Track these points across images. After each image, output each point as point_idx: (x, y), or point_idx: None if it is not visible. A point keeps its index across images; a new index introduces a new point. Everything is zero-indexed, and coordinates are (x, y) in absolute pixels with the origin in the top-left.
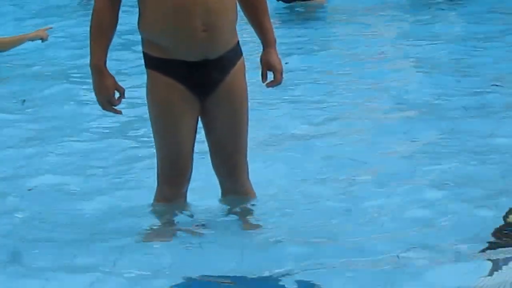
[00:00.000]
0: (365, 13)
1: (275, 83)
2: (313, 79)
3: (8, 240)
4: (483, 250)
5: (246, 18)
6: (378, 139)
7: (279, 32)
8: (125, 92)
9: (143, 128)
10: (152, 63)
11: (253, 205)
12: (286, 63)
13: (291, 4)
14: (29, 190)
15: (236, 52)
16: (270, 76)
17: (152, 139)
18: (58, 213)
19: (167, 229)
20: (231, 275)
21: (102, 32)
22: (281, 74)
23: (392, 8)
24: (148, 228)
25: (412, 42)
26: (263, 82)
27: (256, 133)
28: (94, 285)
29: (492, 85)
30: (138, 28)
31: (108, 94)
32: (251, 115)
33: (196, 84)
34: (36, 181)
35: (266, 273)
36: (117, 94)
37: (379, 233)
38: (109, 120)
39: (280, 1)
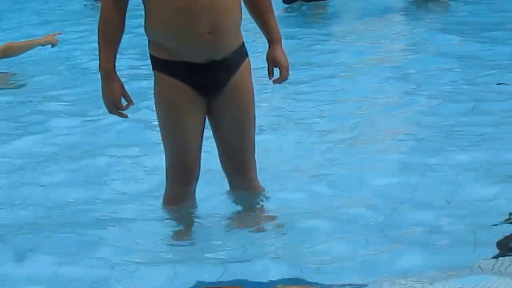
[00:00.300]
0: (369, 14)
1: (281, 79)
2: (317, 78)
3: (17, 237)
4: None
5: (251, 17)
6: (383, 139)
7: (286, 34)
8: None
9: (152, 128)
10: (158, 64)
11: (261, 201)
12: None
13: (293, 4)
14: (41, 186)
15: (241, 53)
16: (277, 72)
17: (161, 139)
18: (67, 212)
19: (180, 230)
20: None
21: (110, 36)
22: (287, 70)
23: (395, 7)
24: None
25: (416, 40)
26: (269, 78)
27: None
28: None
29: (499, 83)
30: (144, 30)
31: (114, 98)
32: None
33: (202, 85)
34: (48, 178)
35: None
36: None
37: (385, 236)
38: (121, 120)
39: (285, 3)
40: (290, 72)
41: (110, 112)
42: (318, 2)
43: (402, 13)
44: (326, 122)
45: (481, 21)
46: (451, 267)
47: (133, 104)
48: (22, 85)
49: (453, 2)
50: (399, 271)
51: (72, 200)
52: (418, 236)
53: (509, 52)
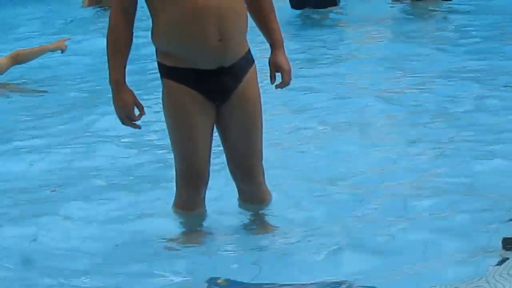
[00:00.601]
0: (378, 21)
1: (284, 84)
2: (325, 84)
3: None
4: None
5: (254, 21)
6: (387, 143)
7: (292, 39)
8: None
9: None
10: (167, 72)
11: (269, 210)
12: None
13: (303, 11)
14: (52, 191)
15: (247, 60)
16: (279, 77)
17: (170, 146)
18: (76, 219)
19: (191, 235)
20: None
21: (119, 48)
22: (289, 75)
23: (401, 14)
24: (172, 236)
25: (424, 48)
26: (271, 83)
27: (270, 136)
28: None
29: (505, 86)
30: (152, 39)
31: (127, 110)
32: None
33: (211, 91)
34: (59, 183)
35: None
36: (137, 111)
37: (391, 239)
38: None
39: (293, 8)
40: (292, 77)
41: (124, 124)
42: (320, 9)
43: (402, 21)
44: (334, 125)
45: (480, 30)
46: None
47: (144, 113)
48: (36, 93)
49: (449, 12)
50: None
51: (88, 203)
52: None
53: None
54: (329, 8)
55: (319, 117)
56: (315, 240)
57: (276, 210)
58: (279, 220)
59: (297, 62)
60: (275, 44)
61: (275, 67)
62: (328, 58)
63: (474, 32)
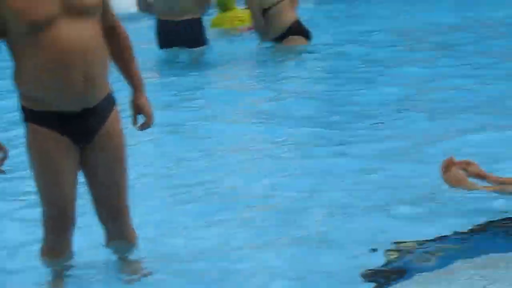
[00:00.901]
0: (242, 63)
1: (146, 125)
2: (188, 126)
3: None
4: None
5: (115, 65)
6: (262, 172)
7: (157, 81)
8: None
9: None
10: (31, 116)
11: (135, 250)
12: None
13: (171, 51)
14: None
15: (109, 101)
16: (141, 119)
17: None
18: None
19: (57, 283)
20: None
21: None
22: (151, 117)
23: (265, 57)
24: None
25: (276, 92)
26: (133, 125)
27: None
28: None
29: (399, 111)
30: (14, 82)
31: None
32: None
33: (75, 133)
34: None
35: None
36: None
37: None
38: None
39: (161, 49)
40: (154, 118)
41: None
42: (188, 49)
43: (267, 64)
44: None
45: (335, 76)
46: None
47: (7, 158)
48: None
49: (308, 54)
50: None
51: None
52: None
53: (378, 98)
54: (198, 48)
55: (188, 152)
56: (186, 276)
57: (144, 248)
58: (147, 258)
59: (160, 103)
60: (136, 87)
61: (137, 109)
62: (191, 101)
63: (330, 79)
